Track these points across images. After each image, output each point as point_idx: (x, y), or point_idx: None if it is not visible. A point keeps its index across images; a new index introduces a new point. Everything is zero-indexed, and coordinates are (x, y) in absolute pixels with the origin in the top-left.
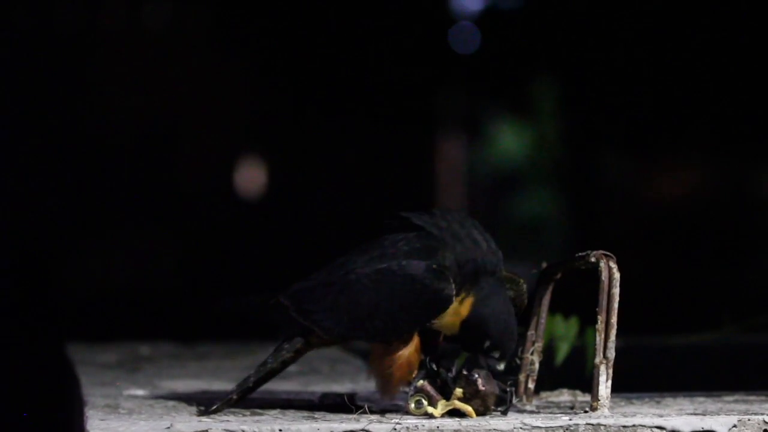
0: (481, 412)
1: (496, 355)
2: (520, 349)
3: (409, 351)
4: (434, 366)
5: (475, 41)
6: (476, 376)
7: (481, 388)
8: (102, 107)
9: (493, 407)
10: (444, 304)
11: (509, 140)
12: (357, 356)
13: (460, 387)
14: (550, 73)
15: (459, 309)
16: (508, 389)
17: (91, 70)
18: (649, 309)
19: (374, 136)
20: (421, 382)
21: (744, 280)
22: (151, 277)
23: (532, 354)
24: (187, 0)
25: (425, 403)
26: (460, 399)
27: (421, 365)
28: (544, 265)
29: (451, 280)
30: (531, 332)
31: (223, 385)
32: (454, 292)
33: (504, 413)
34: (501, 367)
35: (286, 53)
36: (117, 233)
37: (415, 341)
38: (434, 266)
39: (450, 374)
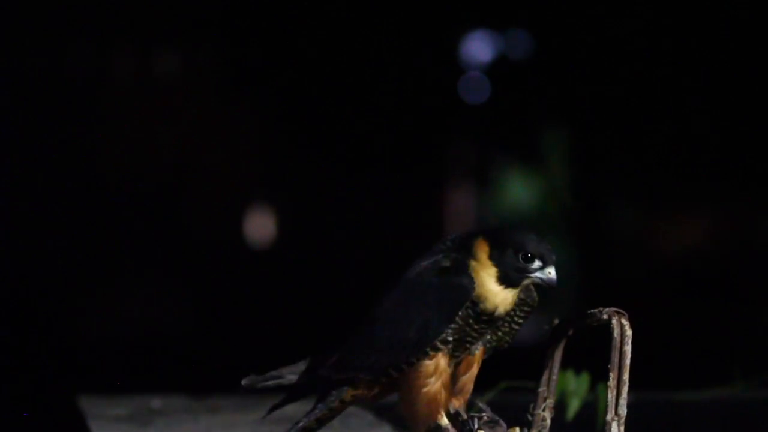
0: None
1: (529, 257)
2: (531, 406)
3: (435, 387)
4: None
5: (485, 91)
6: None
7: None
8: (113, 158)
9: None
10: (465, 292)
11: (518, 190)
12: (369, 411)
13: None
14: (560, 123)
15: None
16: None
17: (101, 117)
18: (659, 363)
19: (384, 184)
20: (446, 422)
21: (755, 335)
22: (162, 330)
23: (543, 410)
24: (197, 49)
25: None
26: None
27: (451, 412)
28: (556, 321)
29: (469, 272)
30: (542, 389)
31: None
32: (474, 284)
33: None
34: (545, 273)
35: (298, 103)
36: (129, 286)
37: (442, 377)
38: (445, 264)
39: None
